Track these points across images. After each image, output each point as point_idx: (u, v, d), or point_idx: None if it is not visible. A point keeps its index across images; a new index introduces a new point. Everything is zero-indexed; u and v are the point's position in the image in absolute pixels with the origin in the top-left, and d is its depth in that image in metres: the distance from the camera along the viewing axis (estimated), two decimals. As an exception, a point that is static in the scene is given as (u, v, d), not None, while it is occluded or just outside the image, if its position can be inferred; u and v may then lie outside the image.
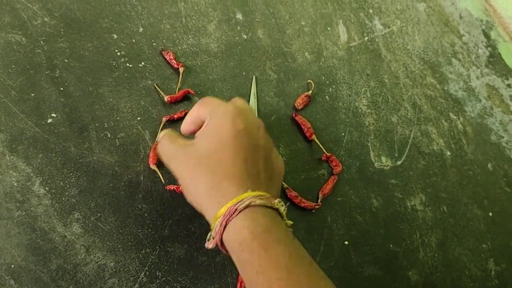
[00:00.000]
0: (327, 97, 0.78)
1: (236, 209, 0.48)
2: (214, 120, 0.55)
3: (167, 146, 0.56)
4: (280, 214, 0.52)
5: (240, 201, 0.49)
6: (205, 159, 0.52)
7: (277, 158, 0.59)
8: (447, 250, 0.75)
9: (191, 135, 0.57)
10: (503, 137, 0.87)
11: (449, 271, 0.74)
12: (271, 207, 0.51)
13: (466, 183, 0.80)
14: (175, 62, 0.70)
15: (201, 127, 0.56)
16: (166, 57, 0.70)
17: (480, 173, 0.82)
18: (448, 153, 0.82)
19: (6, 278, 0.53)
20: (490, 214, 0.80)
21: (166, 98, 0.67)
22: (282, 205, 0.53)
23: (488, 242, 0.78)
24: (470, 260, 0.76)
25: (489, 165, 0.84)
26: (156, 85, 0.68)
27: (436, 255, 0.74)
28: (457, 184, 0.80)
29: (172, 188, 0.63)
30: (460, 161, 0.82)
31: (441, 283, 0.72)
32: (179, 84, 0.69)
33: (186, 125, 0.58)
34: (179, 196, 0.63)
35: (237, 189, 0.50)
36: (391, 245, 0.72)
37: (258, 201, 0.49)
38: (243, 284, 0.61)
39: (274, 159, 0.58)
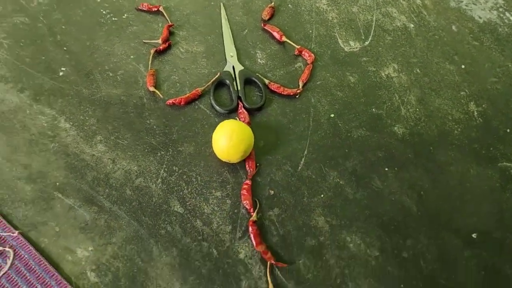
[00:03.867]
0: (289, 5, 0.85)
1: None
2: None
3: None
4: None
5: None
6: None
7: None
8: (427, 103, 0.80)
9: None
10: (462, 1, 0.91)
11: (433, 120, 0.79)
12: None
13: (434, 46, 0.85)
14: (151, 6, 0.79)
15: None
16: (142, 8, 0.80)
17: (445, 35, 0.87)
18: (412, 25, 0.87)
19: (54, 193, 0.64)
20: (463, 66, 0.84)
21: (160, 43, 0.76)
22: None
23: (465, 90, 0.82)
24: (451, 107, 0.80)
25: (453, 27, 0.88)
26: (144, 41, 0.77)
27: (417, 109, 0.79)
28: (425, 49, 0.84)
29: (171, 102, 0.72)
30: (424, 30, 0.86)
31: (427, 130, 0.77)
32: (167, 17, 0.79)
33: None
34: (179, 107, 0.72)
35: None
36: (373, 109, 0.78)
37: None
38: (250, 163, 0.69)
39: None
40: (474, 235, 0.71)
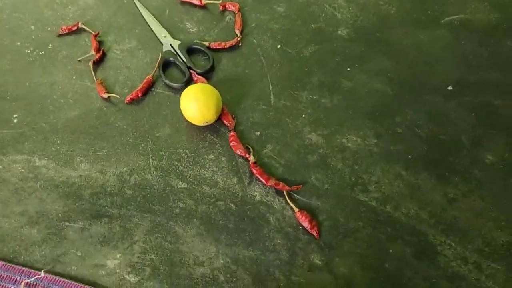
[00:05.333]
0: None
1: None
2: None
3: None
4: None
5: None
6: None
7: None
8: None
9: None
10: None
11: (368, 10, 0.83)
12: None
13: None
14: (70, 26, 0.81)
15: None
16: (63, 32, 0.81)
17: None
18: None
19: (61, 224, 0.64)
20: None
21: (94, 54, 0.78)
22: None
23: (384, -25, 0.87)
24: (379, -6, 0.85)
25: None
26: (78, 59, 0.79)
27: (350, 9, 0.83)
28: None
29: (129, 98, 0.73)
30: None
31: (367, 21, 0.82)
32: (89, 30, 0.81)
33: None
34: (139, 100, 0.74)
35: None
36: (312, 25, 0.82)
37: None
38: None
39: None
40: (450, 87, 0.75)
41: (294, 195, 0.66)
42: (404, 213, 0.64)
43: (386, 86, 0.75)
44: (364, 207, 0.65)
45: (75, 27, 0.81)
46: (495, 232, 0.63)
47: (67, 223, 0.64)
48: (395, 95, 0.74)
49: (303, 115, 0.73)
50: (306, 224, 0.63)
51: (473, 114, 0.72)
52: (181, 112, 0.71)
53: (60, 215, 0.65)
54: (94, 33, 0.80)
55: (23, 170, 0.68)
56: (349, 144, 0.70)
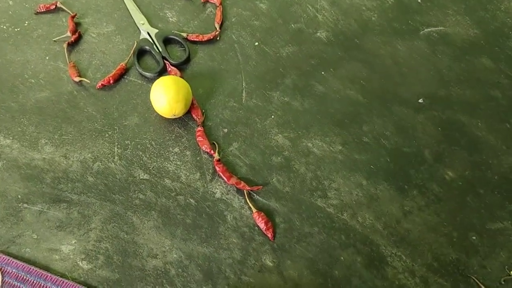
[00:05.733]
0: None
1: None
2: None
3: None
4: None
5: None
6: None
7: None
8: (339, 3, 0.84)
9: None
10: None
11: (350, 15, 0.83)
12: None
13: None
14: (49, 5, 0.80)
15: None
16: (41, 10, 0.81)
17: None
18: None
19: (19, 205, 0.65)
20: (360, -40, 0.89)
21: (69, 36, 0.77)
22: None
23: (369, -20, 0.87)
24: (362, -1, 0.85)
25: None
26: (54, 39, 0.78)
27: (332, 12, 0.83)
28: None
29: (101, 84, 0.73)
30: None
31: (347, 27, 0.82)
32: (68, 10, 0.80)
33: None
34: (110, 87, 0.74)
35: None
36: (292, 25, 0.82)
37: None
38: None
39: None
40: (420, 100, 0.76)
41: (254, 195, 0.67)
42: (360, 222, 0.66)
43: (358, 94, 0.76)
44: (321, 213, 0.66)
45: (53, 6, 0.80)
46: (446, 248, 0.64)
47: (25, 205, 0.65)
48: (366, 104, 0.75)
49: (273, 116, 0.73)
50: (262, 225, 0.64)
51: (440, 129, 0.73)
52: (151, 103, 0.71)
53: (19, 196, 0.65)
54: (72, 14, 0.79)
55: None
56: (314, 149, 0.71)
